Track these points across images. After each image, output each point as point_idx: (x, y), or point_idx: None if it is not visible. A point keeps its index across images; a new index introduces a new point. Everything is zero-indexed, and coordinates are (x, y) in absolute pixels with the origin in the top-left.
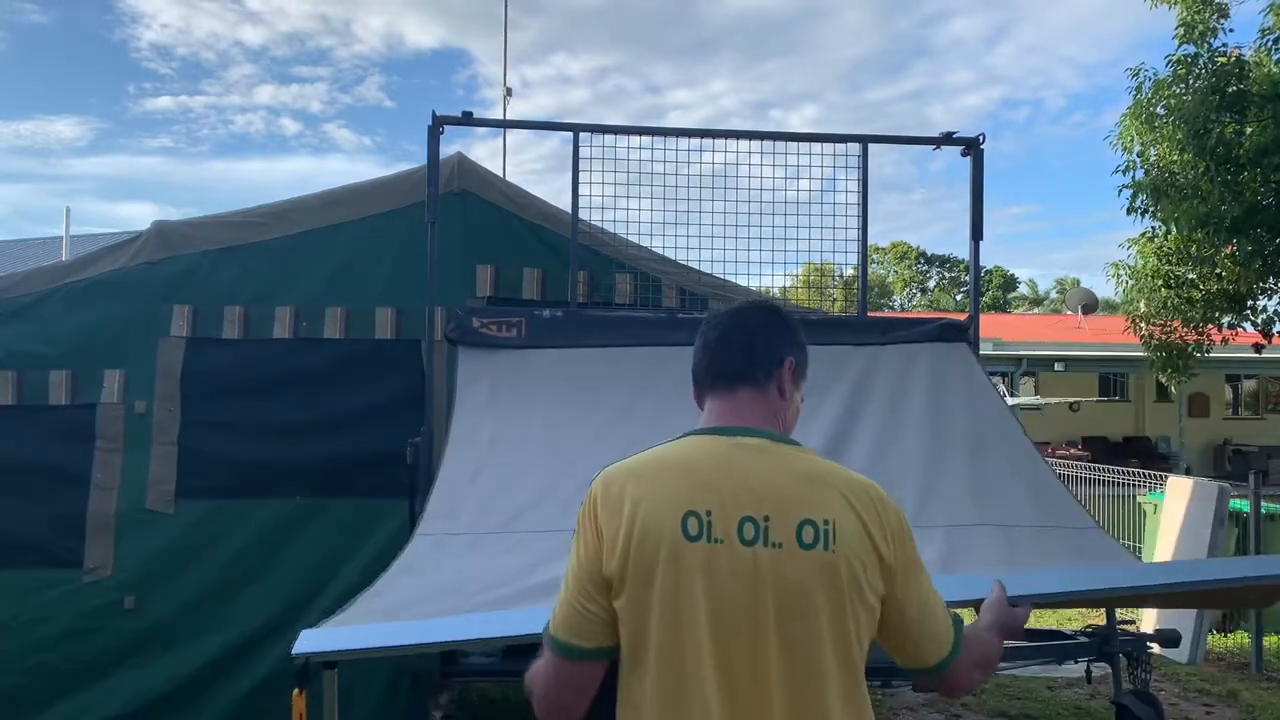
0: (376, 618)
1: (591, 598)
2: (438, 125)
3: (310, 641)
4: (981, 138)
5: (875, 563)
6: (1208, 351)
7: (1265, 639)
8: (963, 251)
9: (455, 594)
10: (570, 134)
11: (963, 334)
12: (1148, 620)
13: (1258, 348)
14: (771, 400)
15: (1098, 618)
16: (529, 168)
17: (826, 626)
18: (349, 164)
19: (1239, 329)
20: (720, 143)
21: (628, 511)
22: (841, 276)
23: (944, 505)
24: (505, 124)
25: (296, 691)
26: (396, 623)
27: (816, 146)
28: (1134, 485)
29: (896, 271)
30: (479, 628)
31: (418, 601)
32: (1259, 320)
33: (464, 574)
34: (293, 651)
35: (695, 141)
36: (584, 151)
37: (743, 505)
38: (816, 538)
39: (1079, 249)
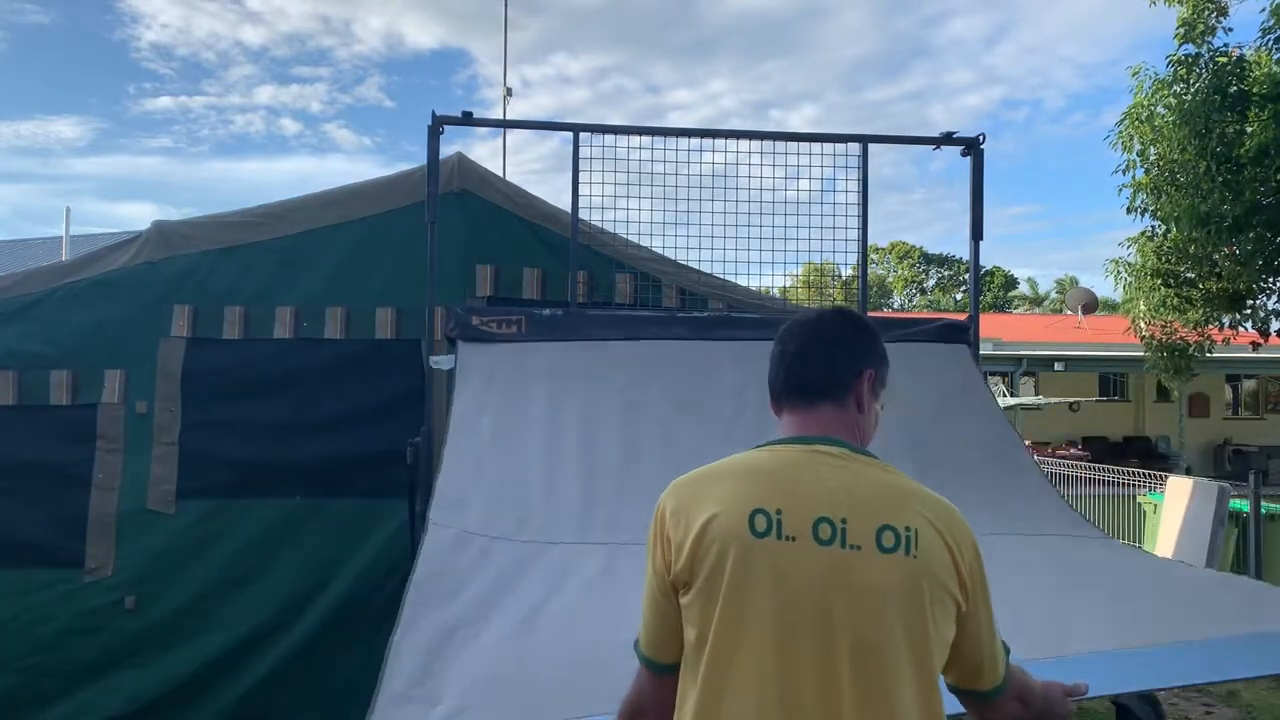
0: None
1: (669, 610)
2: (437, 125)
3: None
4: (981, 138)
5: (954, 576)
6: (1209, 352)
7: None
8: (963, 251)
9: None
10: (570, 134)
11: (963, 334)
12: None
13: (1255, 346)
14: (850, 413)
15: None
16: (529, 168)
17: (903, 632)
18: (349, 164)
19: (1239, 328)
20: (720, 143)
21: (697, 516)
22: (841, 276)
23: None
24: (505, 124)
25: None
26: None
27: (816, 146)
28: (1134, 485)
29: (896, 271)
30: None
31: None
32: (1258, 319)
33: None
34: None
35: (695, 141)
36: (584, 151)
37: (819, 506)
38: (898, 542)
39: (1079, 249)
